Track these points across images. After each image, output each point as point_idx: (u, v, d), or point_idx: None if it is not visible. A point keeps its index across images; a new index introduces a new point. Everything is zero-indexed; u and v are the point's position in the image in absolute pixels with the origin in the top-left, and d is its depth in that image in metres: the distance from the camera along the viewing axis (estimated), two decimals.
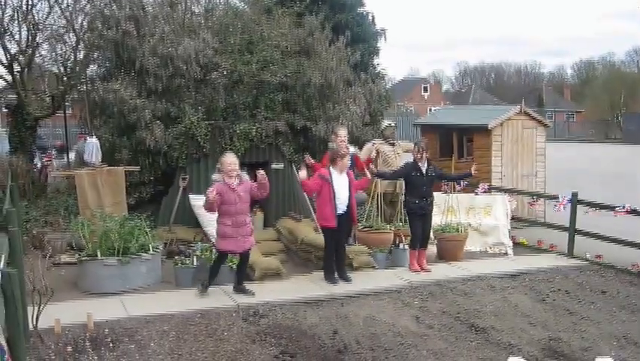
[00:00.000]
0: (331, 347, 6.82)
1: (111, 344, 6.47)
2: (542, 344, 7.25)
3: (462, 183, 12.54)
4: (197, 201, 10.98)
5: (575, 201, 11.36)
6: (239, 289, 8.33)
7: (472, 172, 10.35)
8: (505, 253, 11.77)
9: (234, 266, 8.88)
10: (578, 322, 8.05)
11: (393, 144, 12.49)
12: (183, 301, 8.00)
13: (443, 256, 10.88)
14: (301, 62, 12.90)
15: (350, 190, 9.08)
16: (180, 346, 6.60)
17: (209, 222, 10.75)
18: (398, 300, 8.57)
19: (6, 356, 3.68)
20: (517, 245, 12.09)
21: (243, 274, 8.51)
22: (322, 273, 9.44)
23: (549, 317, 8.18)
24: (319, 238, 10.64)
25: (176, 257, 9.35)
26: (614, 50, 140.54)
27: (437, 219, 11.41)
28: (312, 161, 10.66)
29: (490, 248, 11.93)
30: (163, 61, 11.44)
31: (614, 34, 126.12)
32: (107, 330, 6.79)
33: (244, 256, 8.35)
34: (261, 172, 8.17)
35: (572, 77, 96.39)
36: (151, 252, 8.92)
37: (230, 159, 8.10)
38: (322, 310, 8.04)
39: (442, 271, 9.89)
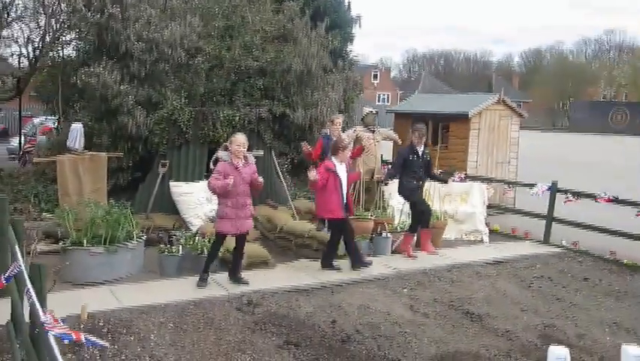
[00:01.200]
0: (333, 336, 6.75)
1: (110, 336, 6.27)
2: (538, 330, 7.32)
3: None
4: (177, 188, 10.81)
5: (554, 189, 11.58)
6: (236, 278, 8.22)
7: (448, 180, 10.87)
8: (481, 240, 11.93)
9: (228, 252, 8.79)
10: (568, 308, 8.17)
11: (373, 131, 12.51)
12: (174, 290, 7.82)
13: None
14: (281, 48, 12.78)
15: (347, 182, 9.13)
16: (181, 337, 6.44)
17: (189, 209, 10.62)
18: (387, 288, 8.57)
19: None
20: (491, 232, 12.26)
21: (239, 261, 8.35)
22: (307, 261, 9.45)
23: (538, 303, 8.28)
24: (300, 225, 10.60)
25: (161, 245, 9.14)
26: (563, 39, 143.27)
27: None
28: (310, 148, 10.60)
29: (466, 235, 12.06)
30: (148, 45, 11.18)
31: (564, 24, 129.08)
32: (101, 322, 6.58)
33: (240, 239, 8.20)
34: (260, 179, 8.14)
35: (520, 66, 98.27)
36: (135, 240, 8.72)
37: (242, 139, 7.95)
38: (314, 298, 7.98)
39: (426, 259, 9.96)
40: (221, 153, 8.03)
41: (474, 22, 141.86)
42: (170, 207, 11.00)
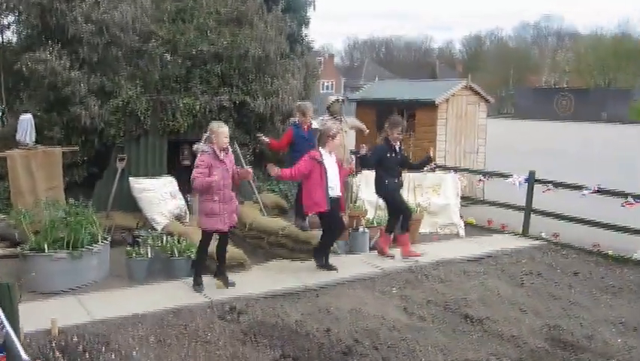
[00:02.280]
0: (332, 347, 6.24)
1: (87, 355, 5.63)
2: (544, 333, 6.98)
3: None
4: (138, 184, 10.12)
5: (532, 180, 11.33)
6: (223, 279, 7.72)
7: (430, 155, 10.02)
8: (457, 234, 11.61)
9: (192, 256, 8.23)
10: (567, 307, 7.85)
11: (340, 120, 12.00)
12: (148, 298, 7.21)
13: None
14: (237, 32, 12.14)
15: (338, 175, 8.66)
16: (167, 353, 5.84)
17: (152, 206, 9.95)
18: (374, 289, 8.11)
19: None
20: (466, 225, 11.94)
21: (225, 260, 7.84)
22: (283, 261, 9.00)
23: (536, 302, 7.93)
24: (272, 223, 10.07)
25: (128, 248, 8.46)
26: (502, 25, 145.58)
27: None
28: (267, 140, 10.08)
29: (441, 229, 11.71)
30: (98, 27, 10.36)
31: (503, 10, 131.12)
32: (75, 337, 5.92)
33: (224, 236, 7.69)
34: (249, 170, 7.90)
35: (461, 52, 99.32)
36: (100, 243, 8.04)
37: (227, 130, 7.41)
38: (300, 303, 7.47)
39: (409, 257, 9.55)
40: (201, 146, 7.47)
41: (414, 8, 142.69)
42: (131, 204, 10.29)
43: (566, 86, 64.05)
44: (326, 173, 8.36)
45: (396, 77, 63.96)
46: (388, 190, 9.25)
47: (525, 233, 11.34)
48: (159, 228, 9.79)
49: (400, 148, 9.35)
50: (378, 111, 14.67)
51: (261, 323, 6.77)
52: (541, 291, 8.42)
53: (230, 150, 7.62)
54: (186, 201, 10.79)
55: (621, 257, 10.03)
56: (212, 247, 7.76)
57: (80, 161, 10.53)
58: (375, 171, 9.35)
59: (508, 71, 69.28)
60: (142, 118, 10.48)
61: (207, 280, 7.78)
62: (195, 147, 7.64)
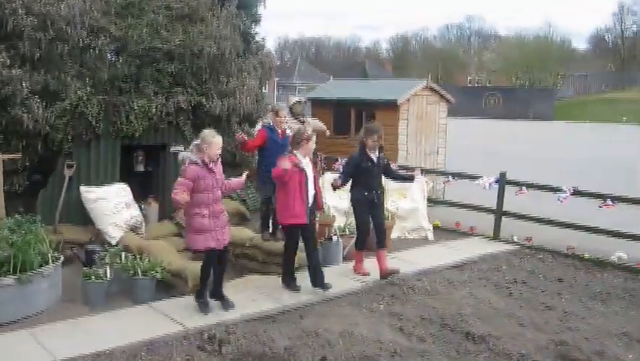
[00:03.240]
0: None
1: None
2: (552, 350, 6.31)
3: None
4: (90, 193, 9.01)
5: (503, 181, 10.74)
6: (221, 298, 6.86)
7: (415, 177, 9.27)
8: (426, 238, 10.96)
9: (159, 276, 7.24)
10: (564, 318, 7.23)
11: (302, 122, 11.16)
12: (113, 328, 6.17)
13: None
14: (189, 29, 11.11)
15: (313, 176, 7.70)
16: None
17: (105, 217, 8.88)
18: (361, 306, 7.30)
19: None
20: (433, 228, 11.30)
21: (221, 281, 6.92)
22: (256, 277, 8.04)
23: (532, 315, 7.27)
24: (237, 233, 9.14)
25: (85, 269, 7.33)
26: (427, 25, 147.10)
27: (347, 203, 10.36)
28: (245, 137, 9.13)
29: (409, 233, 11.03)
30: (41, 21, 9.13)
31: (429, 10, 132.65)
32: None
33: (223, 256, 6.77)
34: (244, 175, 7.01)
35: (387, 52, 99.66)
36: (51, 264, 6.91)
37: (221, 141, 6.52)
38: (283, 326, 6.58)
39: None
40: (187, 154, 6.52)
41: (341, 8, 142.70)
42: (80, 216, 9.15)
43: (488, 84, 64.80)
44: (306, 179, 7.44)
45: (328, 77, 63.27)
46: (356, 202, 8.31)
47: (496, 236, 10.77)
48: (114, 241, 8.72)
49: (378, 157, 8.34)
50: (335, 112, 13.86)
51: (246, 352, 5.87)
52: (533, 301, 7.79)
53: (220, 159, 6.64)
54: (141, 209, 9.73)
55: (597, 260, 9.62)
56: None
57: (20, 168, 9.22)
58: (352, 180, 8.39)
59: (436, 70, 69.54)
60: (93, 122, 9.35)
61: (175, 302, 6.82)
62: (181, 155, 6.61)
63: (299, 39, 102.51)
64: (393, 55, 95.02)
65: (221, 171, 6.66)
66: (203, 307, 6.64)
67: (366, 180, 8.21)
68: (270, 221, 9.03)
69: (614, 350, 6.39)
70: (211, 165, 6.40)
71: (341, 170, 9.54)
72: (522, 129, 41.61)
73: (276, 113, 9.00)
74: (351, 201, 8.49)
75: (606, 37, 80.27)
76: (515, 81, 67.36)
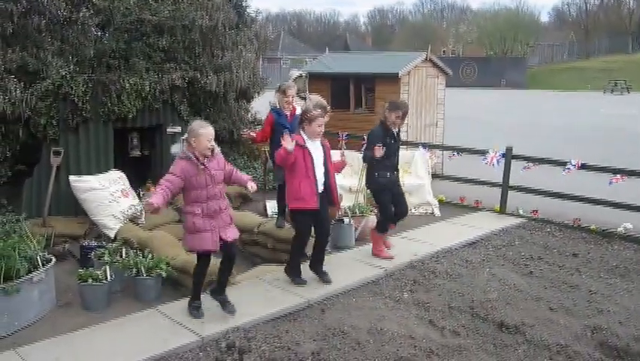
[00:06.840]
0: None
1: None
2: (589, 338, 5.56)
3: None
4: (81, 183, 7.98)
5: (509, 156, 9.94)
6: (223, 303, 5.83)
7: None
8: (432, 213, 10.18)
9: (164, 274, 6.33)
10: (591, 298, 6.50)
11: (304, 98, 10.21)
12: (119, 341, 5.18)
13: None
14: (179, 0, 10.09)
15: (327, 164, 6.57)
16: None
17: (100, 208, 7.88)
18: (384, 295, 6.47)
19: None
20: (438, 203, 10.51)
21: (225, 284, 5.90)
22: (269, 266, 7.21)
23: (558, 296, 6.52)
24: (246, 218, 8.30)
25: (80, 271, 6.25)
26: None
27: (352, 180, 9.72)
28: (252, 134, 8.13)
29: (415, 209, 10.20)
30: None
31: None
32: None
33: (228, 254, 5.72)
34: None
35: (365, 25, 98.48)
36: (41, 268, 5.85)
37: (211, 132, 5.38)
38: (306, 324, 5.72)
39: (399, 248, 7.93)
40: (177, 149, 5.51)
41: None
42: (71, 207, 8.16)
43: (461, 55, 63.64)
44: (313, 162, 6.40)
45: (311, 50, 61.88)
46: (378, 184, 7.40)
47: (503, 210, 9.99)
48: (112, 234, 7.73)
49: (398, 133, 7.51)
50: (333, 85, 12.92)
51: None
52: (554, 280, 7.08)
53: (217, 151, 5.56)
54: (139, 197, 8.75)
55: (603, 231, 8.97)
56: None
57: (1, 157, 8.18)
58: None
59: (414, 43, 68.27)
60: (80, 103, 8.26)
61: (184, 304, 5.92)
62: (173, 150, 5.63)
63: (280, 12, 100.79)
64: (372, 28, 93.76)
65: (222, 164, 5.60)
66: (195, 313, 5.70)
67: (388, 159, 7.30)
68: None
69: None
70: (204, 161, 5.39)
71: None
72: (506, 97, 40.71)
73: (284, 93, 7.77)
74: (369, 184, 7.57)
75: (567, 9, 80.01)
76: (489, 52, 66.39)
